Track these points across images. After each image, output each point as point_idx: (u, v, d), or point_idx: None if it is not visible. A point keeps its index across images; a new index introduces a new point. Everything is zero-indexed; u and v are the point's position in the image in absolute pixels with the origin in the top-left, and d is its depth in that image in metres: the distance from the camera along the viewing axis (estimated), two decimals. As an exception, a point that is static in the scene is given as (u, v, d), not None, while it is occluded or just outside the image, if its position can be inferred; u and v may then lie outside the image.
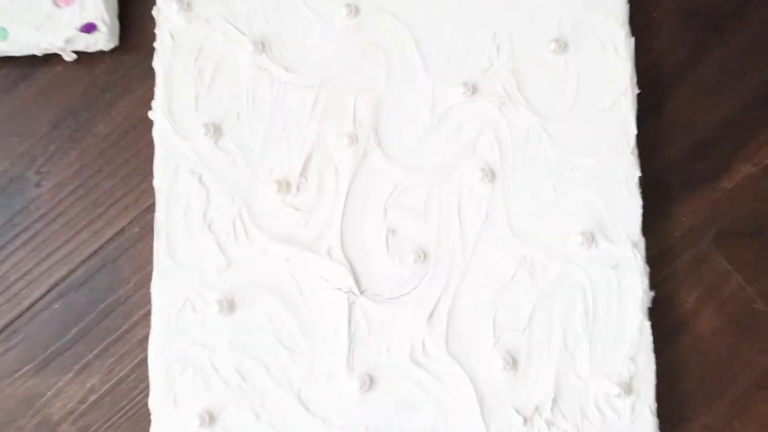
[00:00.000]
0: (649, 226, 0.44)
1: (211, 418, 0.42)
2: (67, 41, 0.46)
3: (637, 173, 0.44)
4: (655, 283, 0.44)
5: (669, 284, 0.46)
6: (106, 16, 0.46)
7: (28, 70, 0.47)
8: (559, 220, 0.44)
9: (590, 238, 0.43)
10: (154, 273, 0.43)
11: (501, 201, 0.44)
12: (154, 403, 0.42)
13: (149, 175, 0.44)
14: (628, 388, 0.42)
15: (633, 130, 0.44)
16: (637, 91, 0.45)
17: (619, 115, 0.44)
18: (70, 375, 0.45)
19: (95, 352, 0.45)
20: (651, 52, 0.47)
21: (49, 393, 0.45)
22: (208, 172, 0.44)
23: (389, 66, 0.45)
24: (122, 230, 0.46)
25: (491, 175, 0.44)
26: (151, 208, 0.45)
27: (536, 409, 0.42)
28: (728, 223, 0.46)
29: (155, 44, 0.45)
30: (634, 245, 0.43)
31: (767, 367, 0.45)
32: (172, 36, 0.45)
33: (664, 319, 0.45)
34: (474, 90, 0.44)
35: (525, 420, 0.42)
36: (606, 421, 0.42)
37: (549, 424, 0.42)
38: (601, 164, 0.44)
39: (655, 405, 0.42)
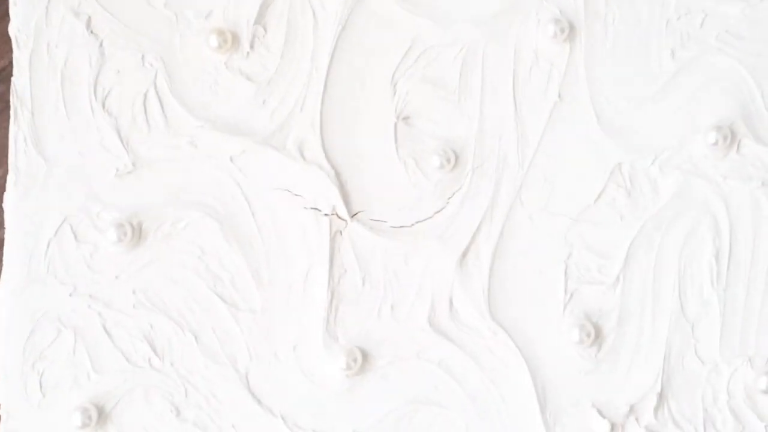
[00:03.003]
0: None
1: (101, 415, 0.40)
2: None
3: (810, 32, 0.42)
4: (826, 213, 0.42)
5: None
6: None
7: None
8: (679, 105, 0.42)
9: (728, 137, 0.41)
10: (9, 178, 0.41)
11: (584, 72, 0.42)
12: (5, 391, 0.41)
13: (2, 17, 0.43)
14: (781, 379, 0.41)
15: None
16: None
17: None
18: None
19: None
20: None
21: None
22: (103, 13, 0.42)
23: None
24: None
25: (569, 29, 0.42)
26: (4, 73, 0.46)
27: (631, 410, 0.40)
28: None
29: None
30: (801, 150, 0.41)
31: None
32: None
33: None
34: None
35: (613, 427, 0.40)
36: (744, 427, 0.40)
37: None
38: (753, 15, 0.42)
39: (824, 407, 0.40)
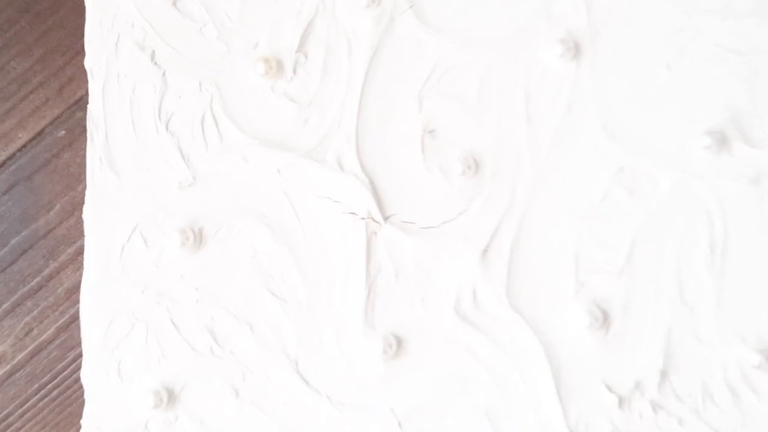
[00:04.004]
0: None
1: (170, 397, 0.42)
2: None
3: (795, 43, 0.43)
4: (813, 206, 0.43)
5: (833, 209, 0.45)
6: None
7: None
8: (675, 113, 0.42)
9: (721, 140, 0.42)
10: (88, 193, 0.43)
11: (589, 86, 0.43)
12: (89, 377, 0.43)
13: (79, 53, 0.45)
14: (773, 357, 0.41)
15: (792, -22, 0.43)
16: None
17: (771, -46, 0.42)
18: (-30, 338, 0.46)
19: (5, 306, 0.47)
20: None
21: (-61, 363, 0.46)
22: (164, 47, 0.44)
23: None
24: (41, 133, 0.47)
25: (575, 49, 0.43)
26: (82, 102, 0.46)
27: (637, 385, 0.41)
28: None
29: None
30: (786, 150, 0.42)
31: None
32: None
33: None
34: None
35: (620, 401, 0.41)
36: (740, 403, 0.41)
37: (655, 406, 0.41)
38: (743, 29, 0.42)
39: (813, 381, 0.42)
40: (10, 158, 0.46)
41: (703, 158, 0.42)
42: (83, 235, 0.43)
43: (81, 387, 0.42)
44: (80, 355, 0.42)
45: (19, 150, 0.47)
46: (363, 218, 0.43)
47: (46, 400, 0.46)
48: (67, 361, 0.46)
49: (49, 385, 0.46)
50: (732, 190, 0.42)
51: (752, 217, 0.42)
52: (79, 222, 0.43)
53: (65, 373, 0.46)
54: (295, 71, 0.43)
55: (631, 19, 0.43)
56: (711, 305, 0.42)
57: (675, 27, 0.42)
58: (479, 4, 0.43)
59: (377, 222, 0.43)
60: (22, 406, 0.46)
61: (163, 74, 0.43)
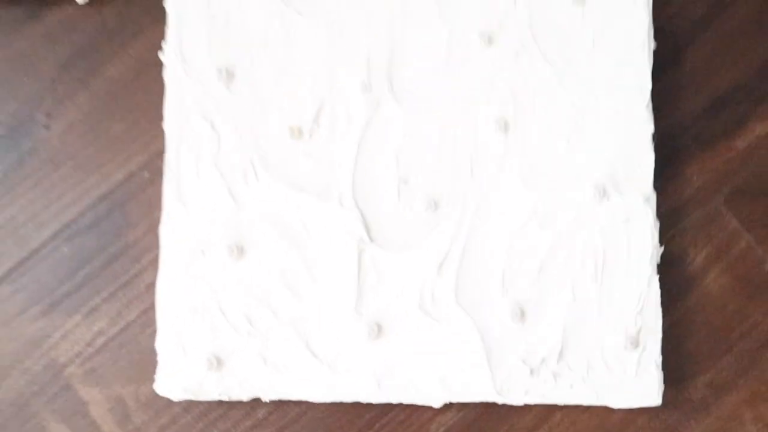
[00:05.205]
0: (661, 183, 0.47)
1: (218, 362, 0.45)
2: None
3: (651, 128, 0.47)
4: (664, 239, 0.48)
5: (678, 241, 0.49)
6: (117, -43, 0.49)
7: (37, 9, 0.50)
8: (572, 172, 0.47)
9: (602, 191, 0.46)
10: (163, 216, 0.46)
11: (513, 151, 0.47)
12: (161, 346, 0.46)
13: (160, 118, 0.47)
14: (635, 342, 0.45)
15: (648, 85, 0.47)
16: (654, 45, 0.47)
17: (635, 70, 0.47)
18: (77, 317, 0.48)
19: (103, 295, 0.49)
20: (669, 6, 0.50)
21: (56, 335, 0.48)
22: (220, 117, 0.47)
23: (404, 13, 0.47)
24: (131, 174, 0.49)
25: (504, 125, 0.47)
26: (161, 153, 0.47)
27: (543, 360, 0.45)
28: (741, 182, 0.49)
29: (167, -15, 0.47)
30: (646, 200, 0.46)
31: (775, 327, 0.48)
32: (183, -23, 0.47)
33: (673, 276, 0.48)
34: (490, 40, 0.47)
35: (531, 371, 0.45)
36: (612, 373, 0.45)
37: (555, 375, 0.46)
38: (616, 118, 0.47)
39: (661, 359, 0.46)
40: (109, 191, 0.49)
41: (590, 204, 0.46)
42: (159, 247, 0.46)
43: (156, 353, 0.45)
44: (155, 331, 0.45)
45: (116, 185, 0.49)
46: (356, 240, 0.46)
47: (131, 362, 0.48)
48: (146, 334, 0.47)
49: (134, 352, 0.48)
50: (610, 226, 0.46)
51: (623, 245, 0.46)
52: (157, 237, 0.46)
53: (145, 343, 0.47)
54: (311, 135, 0.46)
55: (543, 105, 0.47)
56: (594, 306, 0.46)
57: (573, 110, 0.47)
58: (439, 93, 0.47)
59: (366, 242, 0.46)
60: (113, 365, 0.48)
61: (219, 137, 0.46)
